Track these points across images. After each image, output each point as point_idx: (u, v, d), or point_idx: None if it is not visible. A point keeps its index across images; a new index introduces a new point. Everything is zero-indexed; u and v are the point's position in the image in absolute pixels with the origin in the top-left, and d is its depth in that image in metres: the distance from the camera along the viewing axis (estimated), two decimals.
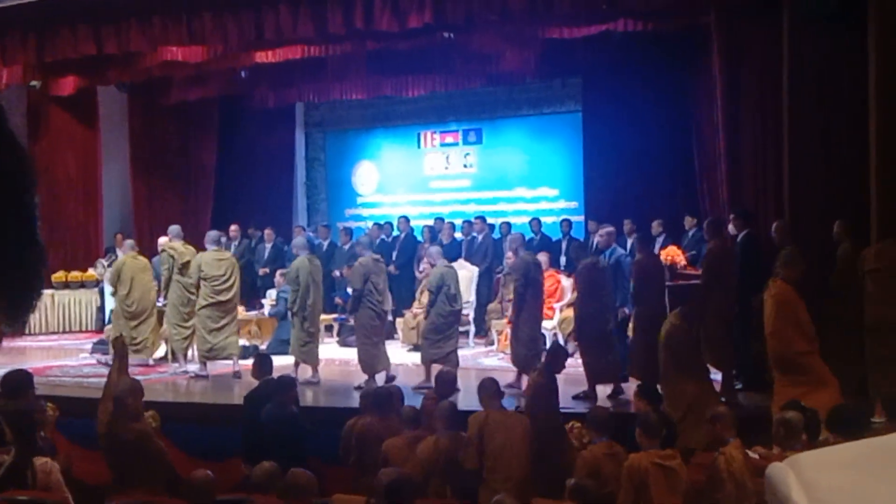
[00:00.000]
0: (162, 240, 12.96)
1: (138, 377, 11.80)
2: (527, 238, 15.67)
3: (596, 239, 12.39)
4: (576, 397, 10.01)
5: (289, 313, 11.93)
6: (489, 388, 8.07)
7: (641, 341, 10.16)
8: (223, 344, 11.95)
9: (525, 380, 10.14)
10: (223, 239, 16.88)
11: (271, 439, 8.07)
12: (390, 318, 14.64)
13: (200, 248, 12.40)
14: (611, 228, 11.53)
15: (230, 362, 12.09)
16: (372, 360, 11.17)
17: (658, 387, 8.51)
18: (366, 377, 11.11)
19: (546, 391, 8.11)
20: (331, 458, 8.29)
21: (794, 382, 8.36)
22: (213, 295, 11.88)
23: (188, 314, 12.22)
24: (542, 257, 13.39)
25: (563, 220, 16.26)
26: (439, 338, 11.22)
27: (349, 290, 14.16)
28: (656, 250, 12.93)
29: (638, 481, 6.46)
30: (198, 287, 11.99)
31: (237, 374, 11.86)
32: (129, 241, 13.46)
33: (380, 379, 10.99)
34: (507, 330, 13.34)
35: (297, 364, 11.40)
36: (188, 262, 12.15)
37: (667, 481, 6.48)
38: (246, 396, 8.90)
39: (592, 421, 7.48)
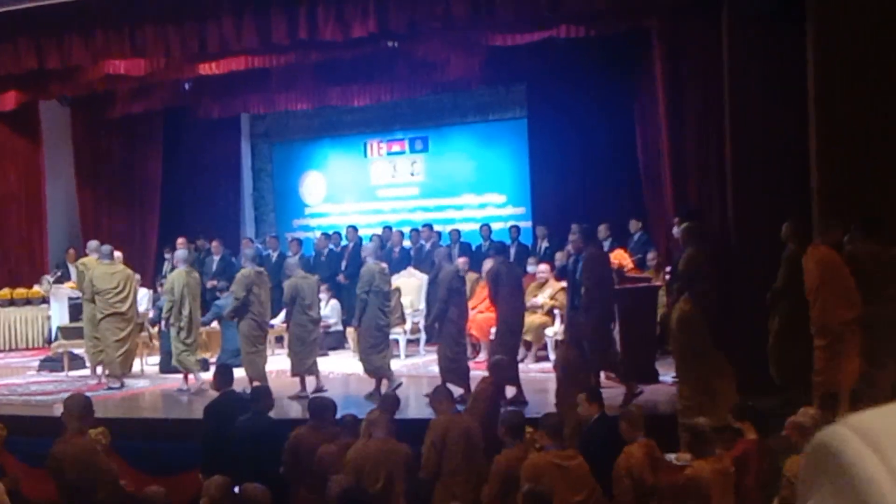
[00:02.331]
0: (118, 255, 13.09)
1: (88, 393, 11.80)
2: (476, 244, 15.82)
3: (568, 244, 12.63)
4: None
5: (162, 321, 12.43)
6: (444, 395, 8.26)
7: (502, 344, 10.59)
8: (122, 356, 12.29)
9: (384, 385, 10.92)
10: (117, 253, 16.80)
11: (247, 450, 8.11)
12: (340, 327, 14.69)
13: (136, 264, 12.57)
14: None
15: (187, 375, 12.10)
16: (256, 368, 11.42)
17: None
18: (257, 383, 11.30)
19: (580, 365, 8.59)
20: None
21: (832, 352, 8.41)
22: (108, 307, 12.22)
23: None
24: (490, 264, 13.51)
25: (512, 227, 16.33)
26: (302, 348, 11.49)
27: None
28: None
29: (534, 479, 6.68)
30: (93, 301, 12.33)
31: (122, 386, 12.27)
32: None
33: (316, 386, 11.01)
34: None
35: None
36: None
37: (565, 480, 6.75)
38: (206, 408, 8.86)
39: (506, 424, 7.56)
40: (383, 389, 10.75)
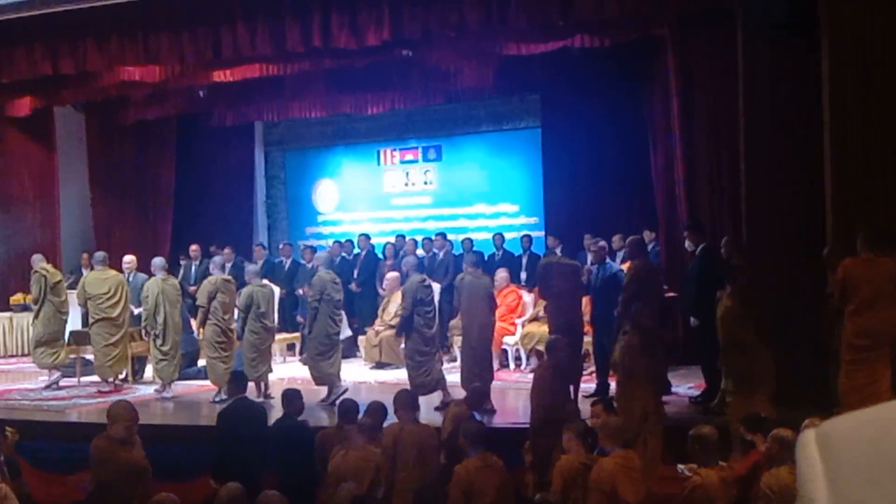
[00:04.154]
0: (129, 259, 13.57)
1: (99, 399, 11.86)
2: (489, 253, 15.81)
3: (589, 254, 12.71)
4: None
5: (142, 330, 12.72)
6: (404, 401, 8.31)
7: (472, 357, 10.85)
8: (112, 360, 12.56)
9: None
10: (183, 261, 16.88)
11: (279, 453, 8.23)
12: (349, 333, 14.66)
13: (148, 269, 12.94)
14: (603, 243, 11.70)
15: (195, 382, 12.18)
16: (219, 375, 11.68)
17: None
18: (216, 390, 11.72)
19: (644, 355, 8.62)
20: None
21: (884, 364, 8.38)
22: (99, 312, 12.54)
23: (58, 332, 13.05)
24: (502, 273, 13.49)
25: (524, 236, 16.30)
26: (255, 355, 11.72)
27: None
28: (617, 264, 13.03)
29: (568, 479, 6.85)
30: (85, 306, 12.79)
31: (118, 389, 12.57)
32: None
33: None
34: None
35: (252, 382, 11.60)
36: (59, 282, 13.15)
37: (631, 481, 6.80)
38: (219, 414, 8.88)
39: (466, 434, 7.55)
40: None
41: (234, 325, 11.98)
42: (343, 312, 12.10)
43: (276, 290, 14.64)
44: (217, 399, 11.49)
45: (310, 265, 16.35)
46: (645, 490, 6.96)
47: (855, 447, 1.14)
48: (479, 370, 10.70)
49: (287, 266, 16.30)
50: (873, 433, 1.15)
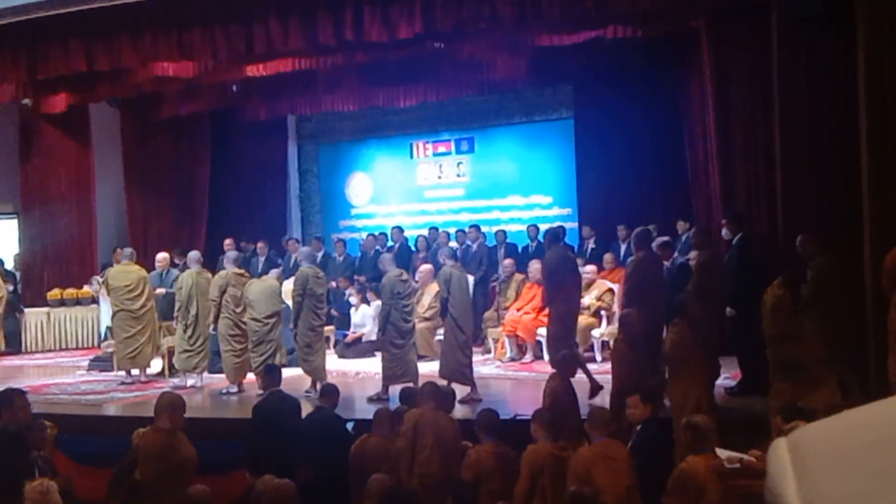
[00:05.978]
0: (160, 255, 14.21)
1: (136, 392, 11.94)
2: (523, 245, 15.78)
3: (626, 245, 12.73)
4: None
5: (174, 320, 12.87)
6: (425, 392, 8.53)
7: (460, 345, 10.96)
8: (133, 353, 12.72)
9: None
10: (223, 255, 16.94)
11: (314, 444, 8.27)
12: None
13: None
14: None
15: (222, 376, 12.28)
16: (233, 368, 11.96)
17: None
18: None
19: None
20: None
21: None
22: (119, 304, 12.79)
23: None
24: (536, 265, 13.45)
25: (558, 227, 16.24)
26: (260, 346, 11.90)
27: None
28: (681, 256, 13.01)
29: (535, 469, 7.04)
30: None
31: (134, 382, 12.79)
32: None
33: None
34: (504, 338, 13.39)
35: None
36: None
37: (559, 470, 7.07)
38: (254, 407, 8.93)
39: (480, 423, 7.87)
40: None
41: (246, 318, 12.04)
42: (325, 305, 12.36)
43: None
44: (225, 392, 11.93)
45: (361, 254, 16.46)
46: (629, 479, 6.93)
47: (823, 445, 1.14)
48: (465, 356, 10.88)
49: (318, 259, 16.32)
50: (842, 432, 1.14)
